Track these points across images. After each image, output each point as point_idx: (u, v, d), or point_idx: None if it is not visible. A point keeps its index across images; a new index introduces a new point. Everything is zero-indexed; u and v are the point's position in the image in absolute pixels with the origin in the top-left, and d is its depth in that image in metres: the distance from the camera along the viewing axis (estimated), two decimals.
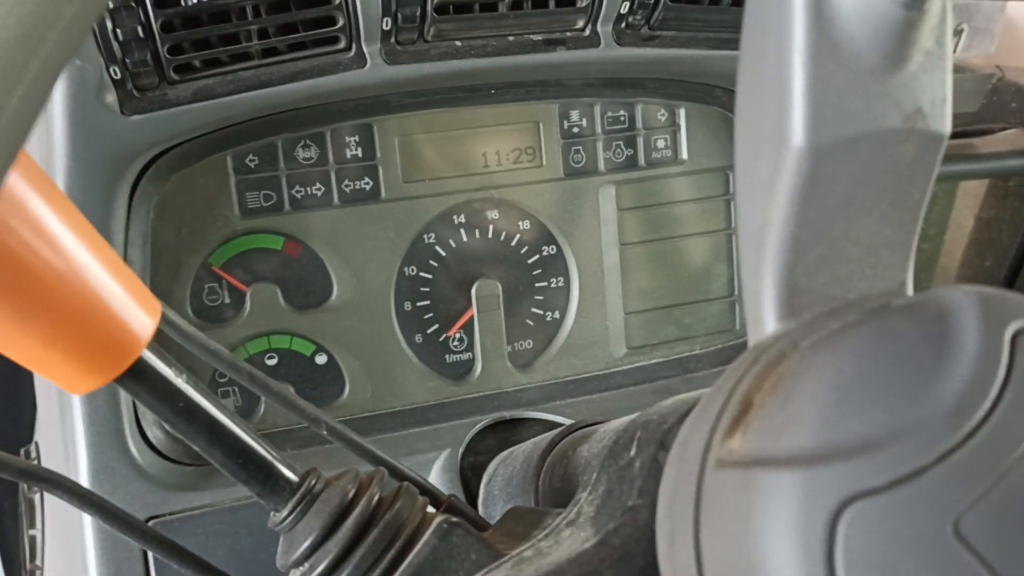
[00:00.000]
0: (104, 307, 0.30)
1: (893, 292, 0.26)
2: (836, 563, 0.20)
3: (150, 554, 0.51)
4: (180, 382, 0.33)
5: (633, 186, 0.62)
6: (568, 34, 0.54)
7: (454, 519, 0.35)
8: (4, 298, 0.28)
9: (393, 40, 0.51)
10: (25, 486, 0.83)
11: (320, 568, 0.35)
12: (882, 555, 0.19)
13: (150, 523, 0.52)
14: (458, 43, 0.52)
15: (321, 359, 0.58)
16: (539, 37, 0.53)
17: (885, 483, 0.20)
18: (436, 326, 0.60)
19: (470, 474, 0.57)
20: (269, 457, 0.36)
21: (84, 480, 0.52)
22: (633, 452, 0.32)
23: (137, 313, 0.31)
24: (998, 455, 0.20)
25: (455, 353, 0.60)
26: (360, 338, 0.58)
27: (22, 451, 0.87)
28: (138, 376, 0.32)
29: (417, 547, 0.34)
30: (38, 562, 0.81)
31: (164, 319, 0.35)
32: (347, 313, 0.58)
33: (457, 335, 0.60)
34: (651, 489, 0.30)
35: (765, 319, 0.26)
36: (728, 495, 0.22)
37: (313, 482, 0.37)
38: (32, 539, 0.82)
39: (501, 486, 0.49)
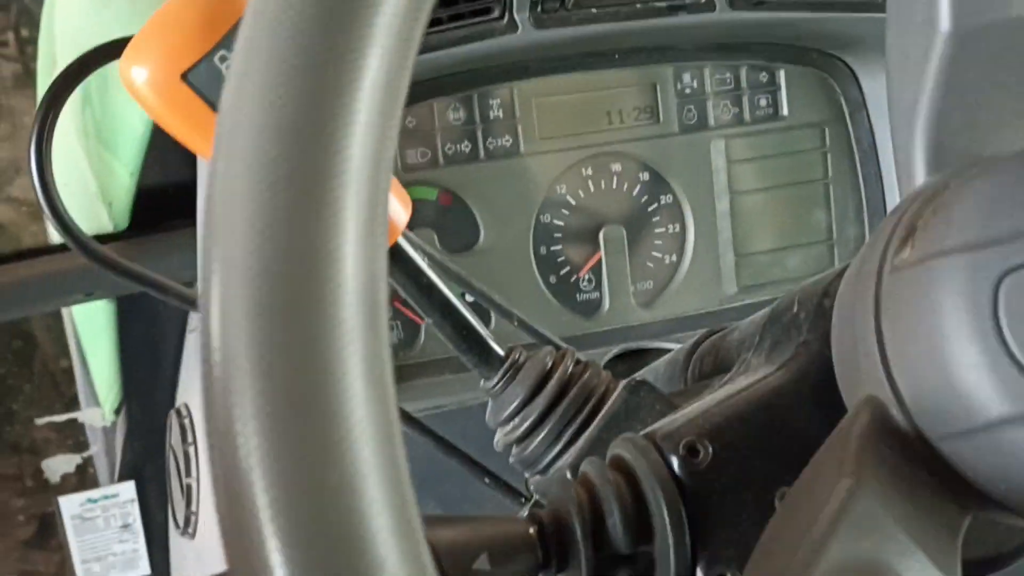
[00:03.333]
0: None
1: None
2: (1000, 318, 0.27)
3: None
4: (424, 265, 0.41)
5: (740, 140, 0.69)
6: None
7: (641, 380, 0.43)
8: None
9: (539, 8, 0.59)
10: (178, 439, 0.92)
11: (525, 425, 0.43)
12: None
13: None
14: (594, 10, 0.60)
15: (470, 297, 0.66)
16: (663, 4, 0.61)
17: None
18: (568, 268, 0.67)
19: None
20: (483, 333, 0.43)
21: None
22: (795, 308, 0.39)
23: (397, 206, 0.39)
24: None
25: (585, 292, 0.68)
26: (503, 278, 0.66)
27: (172, 411, 0.96)
28: (395, 257, 0.40)
29: (611, 400, 0.42)
30: (194, 508, 0.90)
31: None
32: (492, 256, 0.66)
33: (587, 276, 0.68)
34: (820, 326, 0.36)
35: (915, 173, 0.33)
36: (906, 288, 0.29)
37: (517, 355, 0.44)
38: (188, 487, 0.91)
39: None
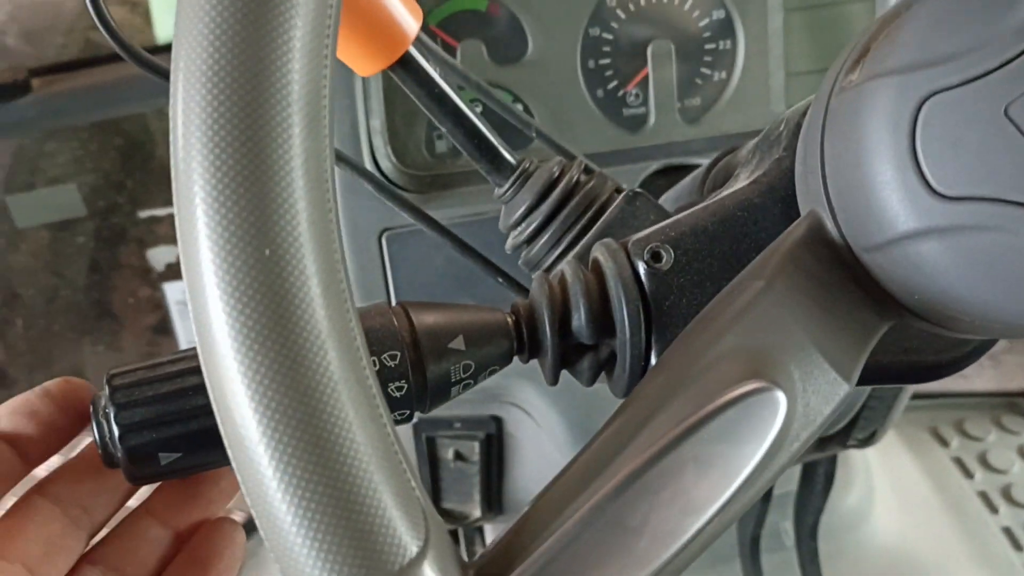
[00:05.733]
0: (385, 7, 0.40)
1: None
2: (916, 138, 0.28)
3: (386, 254, 0.64)
4: (435, 75, 0.44)
5: None
6: None
7: (638, 190, 0.46)
8: None
9: None
10: None
11: (531, 228, 0.46)
12: (951, 131, 0.28)
13: (383, 234, 0.65)
14: None
15: (517, 107, 0.68)
16: None
17: (958, 82, 0.28)
18: (616, 82, 0.69)
19: None
20: (496, 142, 0.47)
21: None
22: (781, 127, 0.40)
23: (407, 17, 0.41)
24: None
25: (631, 107, 0.69)
26: (550, 90, 0.68)
27: None
28: (406, 66, 0.42)
29: (609, 209, 0.45)
30: None
31: (419, 39, 0.45)
32: (540, 68, 0.67)
33: (634, 91, 0.69)
34: (795, 144, 0.38)
35: None
36: (845, 107, 0.31)
37: (527, 164, 0.47)
38: None
39: (670, 205, 0.58)
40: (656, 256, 0.37)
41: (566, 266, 0.39)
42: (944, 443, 1.36)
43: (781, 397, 0.27)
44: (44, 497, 0.37)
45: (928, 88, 0.28)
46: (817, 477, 0.97)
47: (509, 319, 0.38)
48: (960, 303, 0.29)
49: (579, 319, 0.37)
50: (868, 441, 0.87)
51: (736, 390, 0.26)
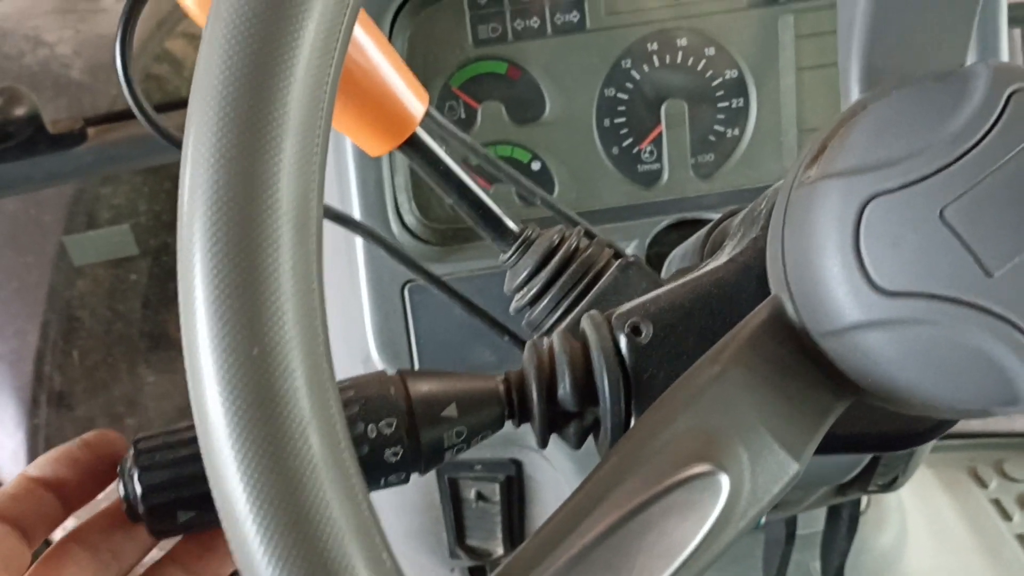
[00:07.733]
0: (393, 94, 0.43)
1: (952, 68, 0.35)
2: (860, 237, 0.30)
3: (408, 305, 0.68)
4: (442, 152, 0.47)
5: (809, 15, 0.69)
6: None
7: (632, 259, 0.48)
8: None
9: None
10: None
11: (532, 292, 0.49)
12: (891, 231, 0.30)
13: (406, 286, 0.68)
14: None
15: (536, 165, 0.71)
16: None
17: (898, 186, 0.30)
18: (630, 140, 0.71)
19: (655, 261, 0.70)
20: (499, 212, 0.49)
21: (359, 251, 0.68)
22: (762, 205, 0.43)
23: (413, 100, 0.45)
24: (978, 170, 0.29)
25: (646, 164, 0.72)
26: (567, 148, 0.71)
27: None
28: (414, 145, 0.46)
29: (603, 278, 0.47)
30: None
31: (429, 115, 0.49)
32: (557, 127, 0.70)
33: (648, 148, 0.71)
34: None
35: (852, 91, 0.36)
36: (801, 203, 0.33)
37: (529, 232, 0.50)
38: None
39: (677, 264, 0.61)
40: (636, 330, 0.39)
41: (555, 336, 0.42)
42: (983, 484, 1.35)
43: (725, 480, 0.29)
44: (78, 544, 0.41)
45: (871, 191, 0.30)
46: (842, 519, 0.97)
47: (501, 386, 0.41)
48: (906, 388, 0.31)
49: (564, 388, 0.39)
50: (889, 487, 0.88)
51: (681, 473, 0.29)
